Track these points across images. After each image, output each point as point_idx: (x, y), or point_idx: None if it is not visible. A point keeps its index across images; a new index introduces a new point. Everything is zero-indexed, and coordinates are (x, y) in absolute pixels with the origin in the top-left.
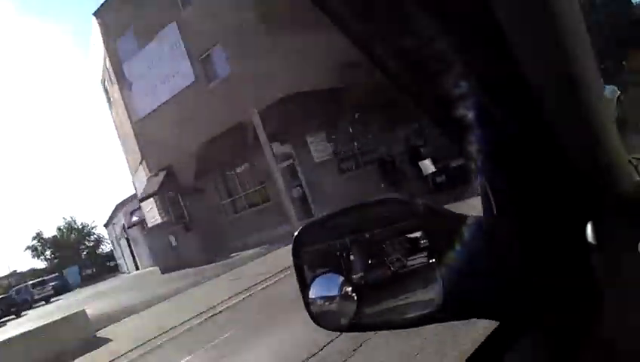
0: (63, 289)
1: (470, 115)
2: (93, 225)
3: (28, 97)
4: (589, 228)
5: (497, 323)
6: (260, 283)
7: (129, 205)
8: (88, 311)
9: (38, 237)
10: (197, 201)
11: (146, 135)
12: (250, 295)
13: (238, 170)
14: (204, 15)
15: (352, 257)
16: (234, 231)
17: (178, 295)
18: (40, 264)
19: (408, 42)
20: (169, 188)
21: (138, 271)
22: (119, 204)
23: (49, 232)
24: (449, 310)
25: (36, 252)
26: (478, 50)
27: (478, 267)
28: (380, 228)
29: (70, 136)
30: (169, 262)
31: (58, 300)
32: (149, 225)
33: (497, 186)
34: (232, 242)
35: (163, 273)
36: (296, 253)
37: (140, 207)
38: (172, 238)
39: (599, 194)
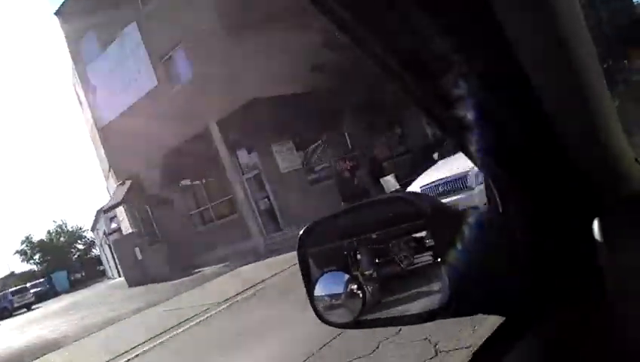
0: (47, 295)
1: (474, 115)
2: (84, 229)
3: (19, 97)
4: (595, 225)
5: (503, 319)
6: (190, 318)
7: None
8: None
9: (27, 240)
10: (165, 212)
11: (112, 142)
12: (171, 336)
13: (205, 180)
14: (165, 14)
15: (357, 255)
16: (201, 245)
17: (114, 324)
18: (34, 268)
19: (409, 41)
20: (135, 198)
21: (120, 278)
22: (100, 210)
23: (41, 236)
24: (455, 306)
25: (25, 256)
26: (481, 50)
27: (484, 264)
28: (385, 227)
29: (65, 136)
30: (135, 275)
31: (39, 307)
32: (124, 233)
33: (502, 185)
34: (199, 256)
35: (130, 286)
36: (301, 251)
37: (116, 215)
38: (137, 251)
39: (605, 193)
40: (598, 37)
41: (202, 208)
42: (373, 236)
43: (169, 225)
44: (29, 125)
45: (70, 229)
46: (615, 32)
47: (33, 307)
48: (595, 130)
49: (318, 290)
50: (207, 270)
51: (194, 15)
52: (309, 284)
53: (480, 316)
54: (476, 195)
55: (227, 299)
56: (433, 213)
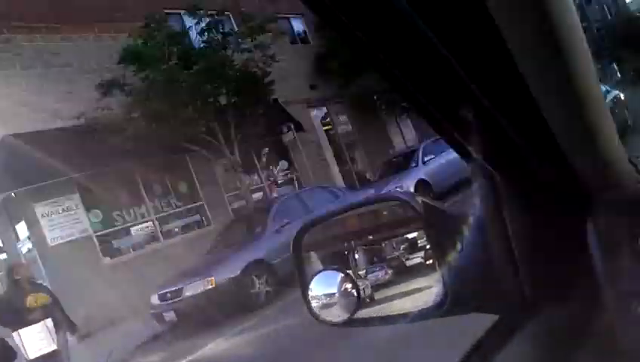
0: None
1: (468, 117)
2: None
3: None
4: (588, 225)
5: (497, 318)
6: None
7: None
8: None
9: None
10: None
11: None
12: None
13: None
14: None
15: (352, 254)
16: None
17: None
18: None
19: (410, 47)
20: None
21: None
22: None
23: None
24: (449, 305)
25: None
26: (479, 54)
27: (478, 263)
28: (379, 226)
29: None
30: None
31: None
32: None
33: (497, 185)
34: None
35: None
36: (296, 250)
37: None
38: None
39: (598, 192)
40: (590, 37)
41: None
42: (367, 233)
43: None
44: None
45: None
46: (606, 33)
47: None
48: (588, 130)
49: (313, 289)
50: None
51: None
52: (304, 283)
53: (473, 315)
54: None
55: None
56: (426, 212)
